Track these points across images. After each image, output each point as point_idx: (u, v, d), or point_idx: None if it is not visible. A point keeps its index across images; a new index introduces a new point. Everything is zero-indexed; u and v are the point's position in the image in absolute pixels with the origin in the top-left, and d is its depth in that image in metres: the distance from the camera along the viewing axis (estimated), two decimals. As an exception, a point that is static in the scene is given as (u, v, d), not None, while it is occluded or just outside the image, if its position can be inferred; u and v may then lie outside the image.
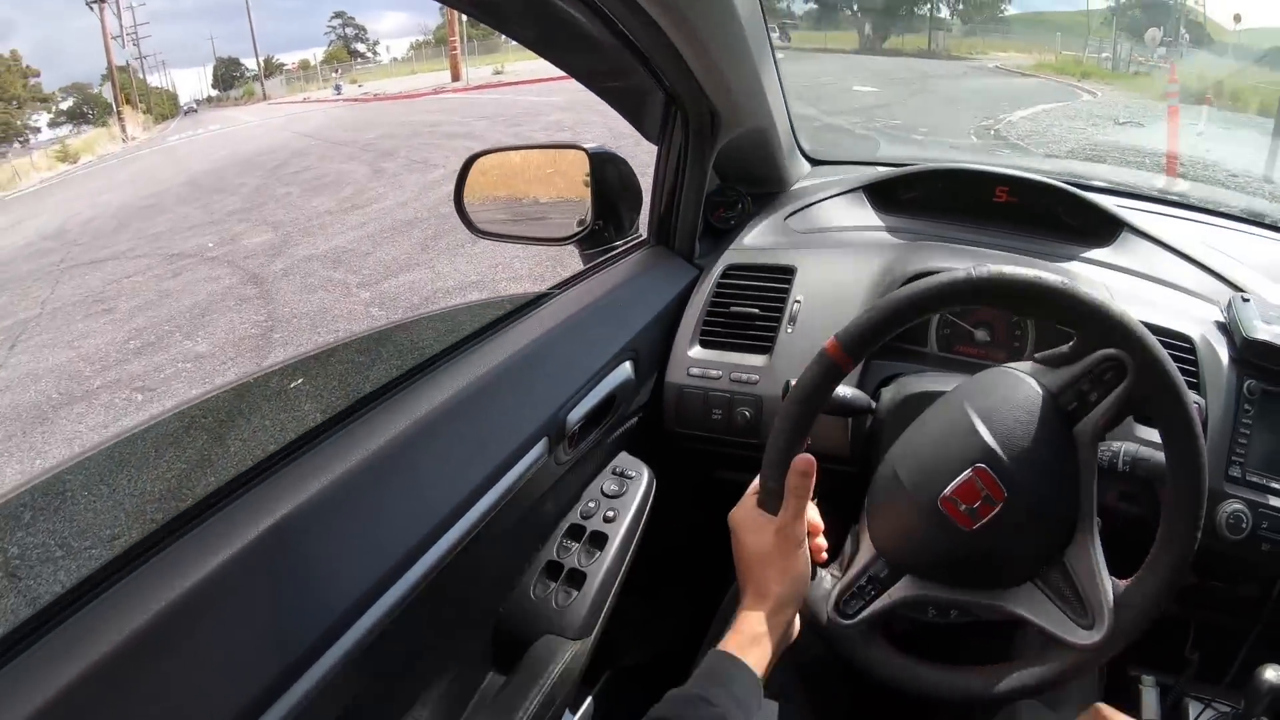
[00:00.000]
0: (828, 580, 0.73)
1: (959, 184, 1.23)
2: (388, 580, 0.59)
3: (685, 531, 1.02)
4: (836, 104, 8.05)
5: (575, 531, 0.91)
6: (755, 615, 0.65)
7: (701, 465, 1.14)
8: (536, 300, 0.96)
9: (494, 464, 0.72)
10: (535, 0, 0.84)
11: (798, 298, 1.06)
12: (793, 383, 0.72)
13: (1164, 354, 0.63)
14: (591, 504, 0.94)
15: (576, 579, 0.87)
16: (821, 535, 0.75)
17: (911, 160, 1.31)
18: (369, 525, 0.60)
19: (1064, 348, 0.68)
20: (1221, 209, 1.26)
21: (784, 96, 1.20)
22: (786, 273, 1.09)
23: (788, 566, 0.67)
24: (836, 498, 0.85)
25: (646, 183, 1.19)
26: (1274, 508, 0.88)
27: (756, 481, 0.73)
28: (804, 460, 0.68)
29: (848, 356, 0.68)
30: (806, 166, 1.39)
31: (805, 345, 1.03)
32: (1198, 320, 0.98)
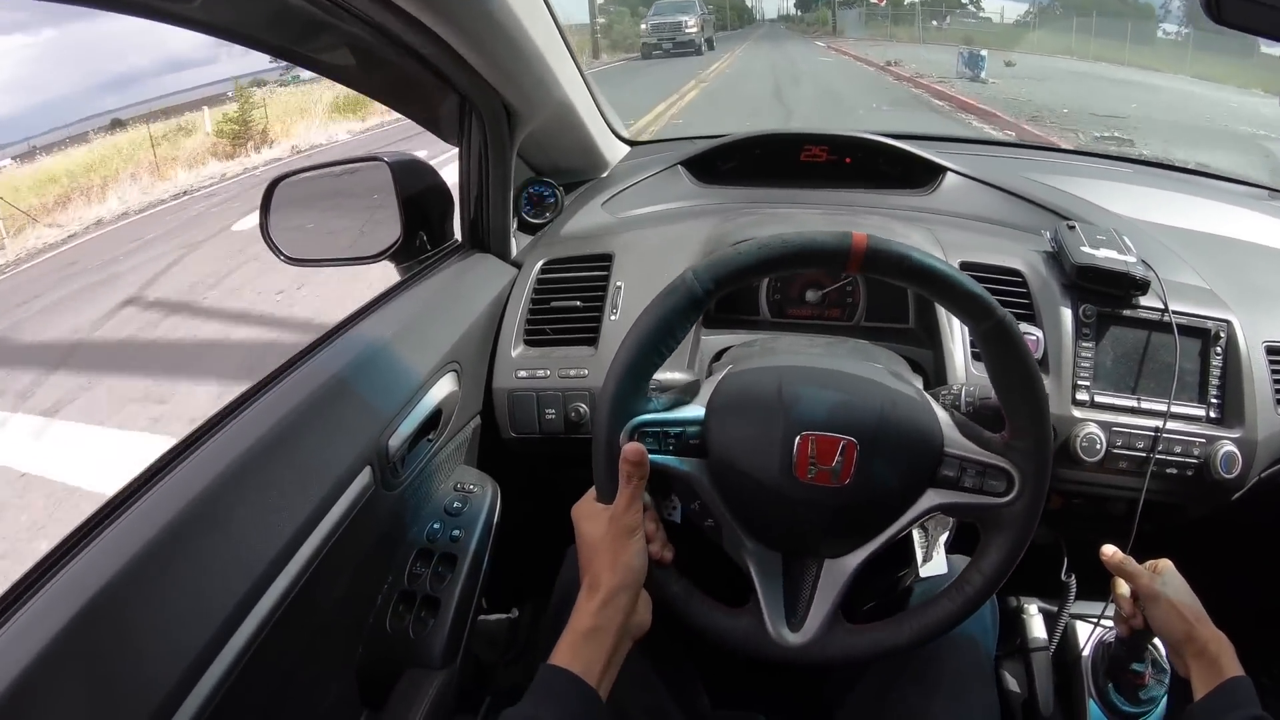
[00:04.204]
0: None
1: (776, 148, 1.25)
2: (220, 638, 0.56)
3: (542, 539, 1.00)
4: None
5: (424, 556, 0.88)
6: (587, 609, 0.64)
7: (546, 468, 1.12)
8: (346, 323, 0.90)
9: (315, 502, 0.68)
10: (293, 13, 0.78)
11: (618, 283, 1.05)
12: None
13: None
14: (436, 525, 0.90)
15: (431, 605, 0.84)
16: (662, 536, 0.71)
17: (729, 132, 1.31)
18: (189, 587, 0.56)
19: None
20: (1049, 145, 1.33)
21: (585, 81, 1.18)
22: (604, 260, 1.08)
23: (619, 555, 0.65)
24: None
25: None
26: (1125, 425, 0.91)
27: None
28: (633, 449, 0.65)
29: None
30: (623, 149, 1.39)
31: None
32: (1025, 253, 1.00)
